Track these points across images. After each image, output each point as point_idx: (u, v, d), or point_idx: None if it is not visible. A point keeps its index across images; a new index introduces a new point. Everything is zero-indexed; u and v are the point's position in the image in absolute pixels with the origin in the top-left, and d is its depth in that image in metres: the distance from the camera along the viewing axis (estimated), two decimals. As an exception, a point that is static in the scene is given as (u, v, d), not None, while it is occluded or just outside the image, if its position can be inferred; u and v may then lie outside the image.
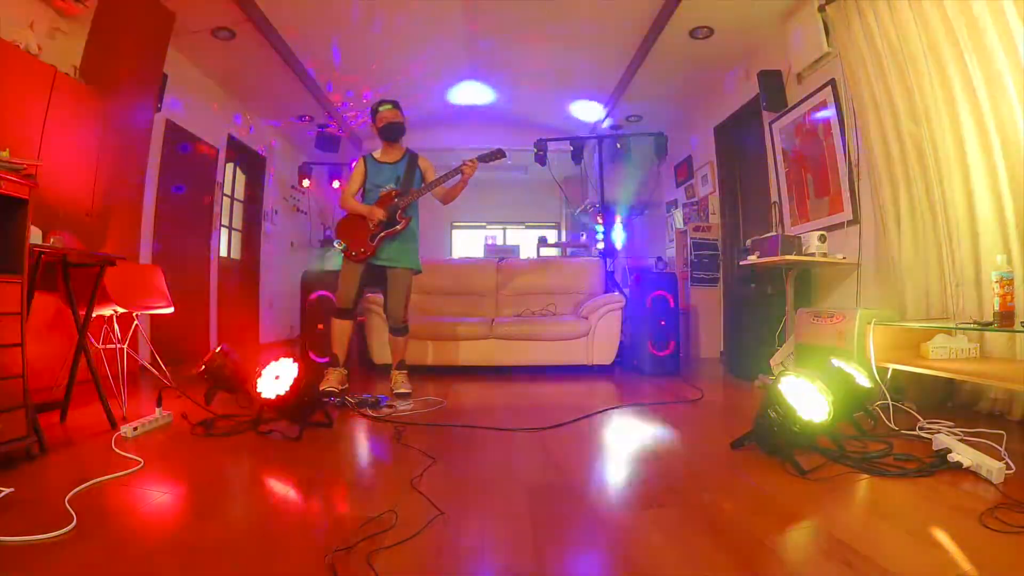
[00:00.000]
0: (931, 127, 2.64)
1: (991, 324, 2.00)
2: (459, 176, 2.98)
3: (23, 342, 1.72)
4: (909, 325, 2.55)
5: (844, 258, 3.24)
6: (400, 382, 3.04)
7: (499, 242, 8.50)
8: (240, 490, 1.61)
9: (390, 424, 2.34)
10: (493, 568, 1.09)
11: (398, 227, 2.99)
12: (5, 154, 1.72)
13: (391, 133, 3.06)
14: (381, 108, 3.06)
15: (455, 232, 9.08)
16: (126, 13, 3.23)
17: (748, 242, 3.53)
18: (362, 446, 2.12)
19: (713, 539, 1.21)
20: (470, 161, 2.96)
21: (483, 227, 9.03)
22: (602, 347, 3.96)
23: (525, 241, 8.08)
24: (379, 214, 2.96)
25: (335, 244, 3.05)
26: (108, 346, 2.68)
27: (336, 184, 6.71)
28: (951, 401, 2.62)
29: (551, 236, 8.69)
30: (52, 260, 2.06)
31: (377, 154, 3.14)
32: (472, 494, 1.51)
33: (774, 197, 4.18)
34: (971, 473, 1.56)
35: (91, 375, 2.26)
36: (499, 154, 3.03)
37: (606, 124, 6.15)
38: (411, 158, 3.10)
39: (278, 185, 6.40)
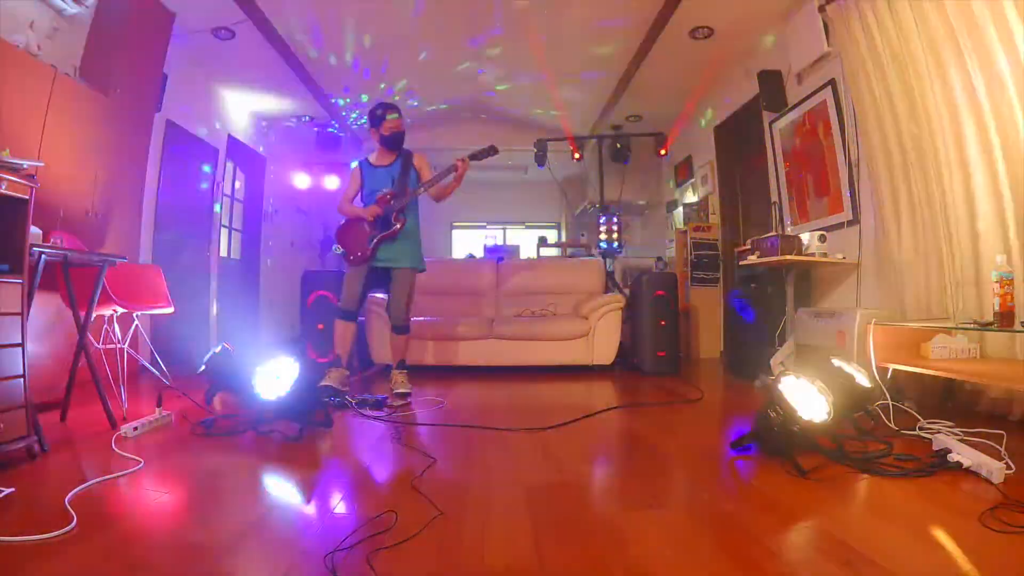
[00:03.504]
0: (931, 127, 2.64)
1: (991, 324, 2.00)
2: (452, 175, 3.00)
3: (23, 342, 1.72)
4: (909, 325, 2.55)
5: (844, 258, 3.24)
6: (400, 382, 3.04)
7: (499, 242, 8.49)
8: (240, 490, 1.61)
9: (390, 424, 2.34)
10: (493, 568, 1.09)
11: (395, 228, 3.00)
12: (5, 154, 1.72)
13: (395, 142, 3.08)
14: (388, 117, 3.03)
15: (455, 232, 9.07)
16: (126, 13, 3.23)
17: (748, 242, 3.53)
18: (362, 446, 2.12)
19: (713, 539, 1.21)
20: (462, 159, 2.96)
21: (483, 227, 9.03)
22: (602, 347, 3.96)
23: (525, 241, 8.08)
24: (374, 211, 2.99)
25: (334, 249, 3.08)
26: (108, 346, 2.68)
27: (333, 183, 6.71)
28: (951, 401, 2.62)
29: (551, 236, 8.69)
30: (52, 260, 2.06)
31: (372, 158, 3.16)
32: (472, 494, 1.51)
33: (774, 197, 4.18)
34: (971, 473, 1.56)
35: (91, 375, 2.25)
36: (491, 151, 3.03)
37: (606, 124, 6.15)
38: (405, 158, 3.11)
39: (278, 185, 6.40)
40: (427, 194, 3.11)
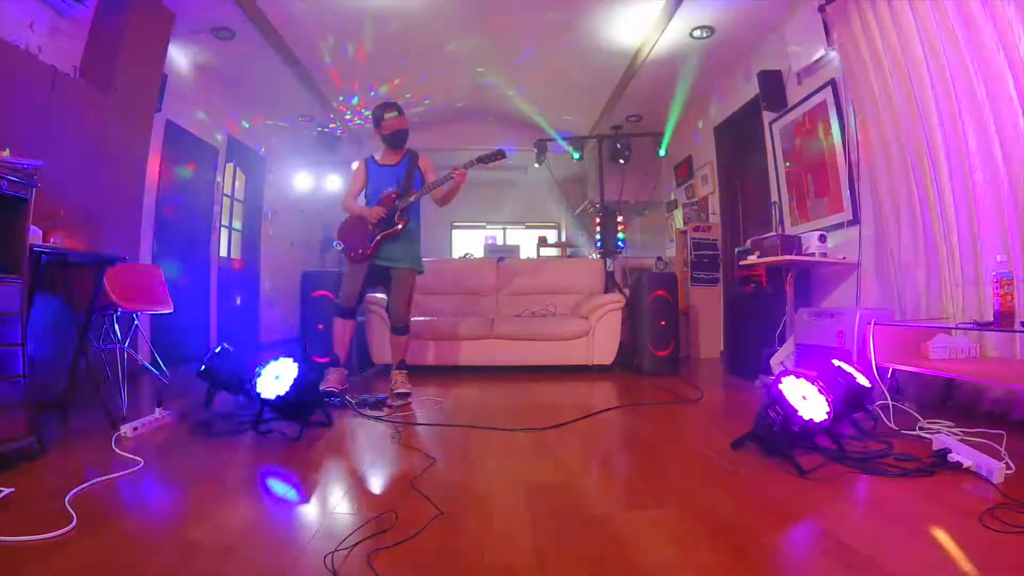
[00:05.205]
0: (931, 127, 2.64)
1: (991, 324, 2.00)
2: (451, 182, 2.99)
3: (23, 342, 1.72)
4: (909, 325, 2.55)
5: (844, 258, 3.24)
6: (400, 382, 3.03)
7: (499, 242, 8.49)
8: (240, 490, 1.61)
9: (390, 424, 2.34)
10: (493, 568, 1.09)
11: (397, 228, 3.00)
12: (5, 154, 1.72)
13: (397, 140, 3.08)
14: (387, 116, 3.04)
15: (455, 232, 9.08)
16: (126, 13, 3.23)
17: (748, 242, 3.53)
18: (362, 446, 2.12)
19: (713, 539, 1.21)
20: (460, 169, 2.95)
21: (483, 227, 9.03)
22: (602, 347, 3.96)
23: (525, 241, 8.07)
24: (379, 212, 2.99)
25: (335, 245, 3.08)
26: (108, 346, 2.68)
27: (333, 183, 6.72)
28: (951, 401, 2.62)
29: (551, 236, 8.69)
30: (52, 260, 2.06)
31: (378, 156, 3.17)
32: (472, 494, 1.51)
33: (774, 197, 4.18)
34: (971, 473, 1.56)
35: (91, 375, 2.25)
36: (499, 155, 3.04)
37: (606, 124, 6.15)
38: (411, 159, 3.11)
39: (278, 185, 6.40)
40: (431, 197, 3.13)
